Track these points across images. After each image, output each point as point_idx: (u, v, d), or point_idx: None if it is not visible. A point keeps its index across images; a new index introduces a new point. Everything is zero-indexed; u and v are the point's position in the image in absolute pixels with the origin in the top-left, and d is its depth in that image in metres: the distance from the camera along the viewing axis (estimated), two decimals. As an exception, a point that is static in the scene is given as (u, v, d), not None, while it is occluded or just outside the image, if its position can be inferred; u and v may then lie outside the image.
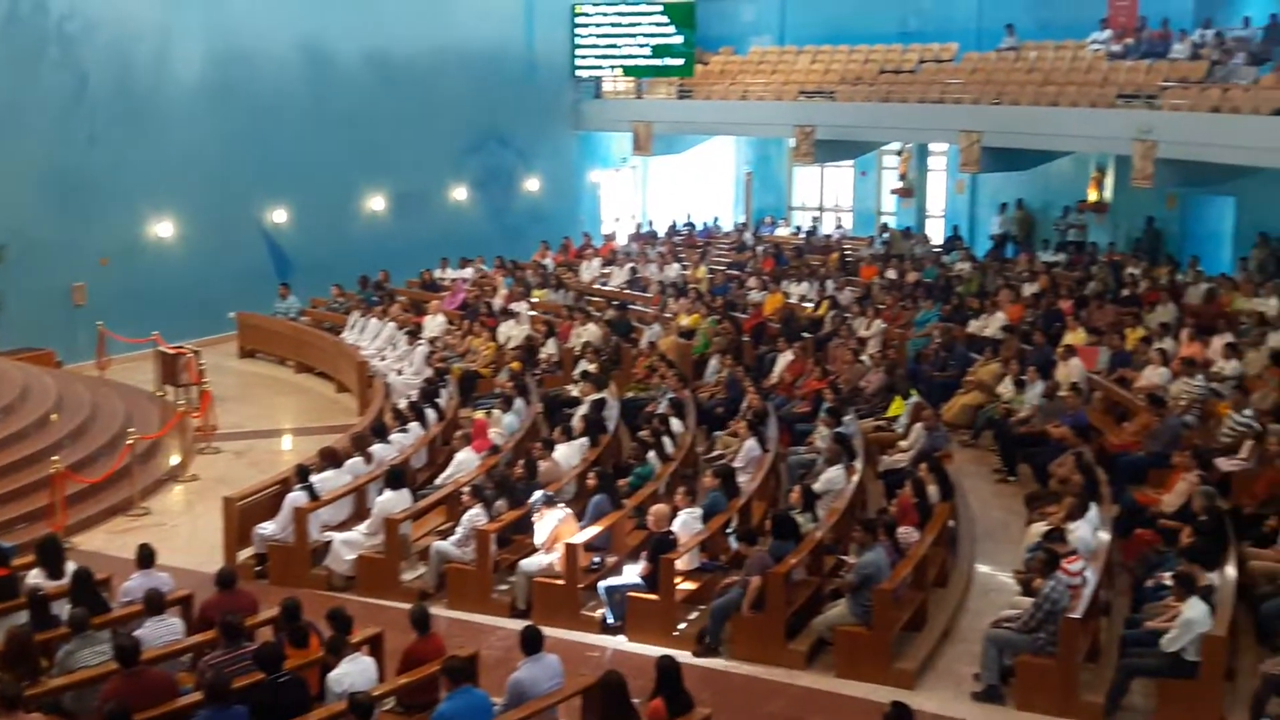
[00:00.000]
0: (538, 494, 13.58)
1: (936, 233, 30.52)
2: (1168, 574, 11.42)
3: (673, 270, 26.84)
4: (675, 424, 16.35)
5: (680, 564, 12.47)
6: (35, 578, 11.46)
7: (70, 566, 11.54)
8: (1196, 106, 21.65)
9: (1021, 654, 10.85)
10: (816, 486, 14.13)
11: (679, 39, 30.61)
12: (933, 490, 13.59)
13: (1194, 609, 10.29)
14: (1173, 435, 14.85)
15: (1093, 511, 12.62)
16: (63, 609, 10.75)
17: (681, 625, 12.25)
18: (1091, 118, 23.35)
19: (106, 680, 9.39)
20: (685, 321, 21.90)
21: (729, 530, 13.66)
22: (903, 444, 16.01)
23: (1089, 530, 12.33)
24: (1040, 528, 12.58)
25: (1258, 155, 20.46)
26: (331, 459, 14.87)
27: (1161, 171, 21.74)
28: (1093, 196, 27.91)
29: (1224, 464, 14.19)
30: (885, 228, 30.64)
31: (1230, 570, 11.33)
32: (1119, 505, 13.49)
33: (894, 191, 31.83)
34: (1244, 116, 20.66)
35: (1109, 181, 27.50)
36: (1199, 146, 21.19)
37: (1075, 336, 19.02)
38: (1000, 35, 28.02)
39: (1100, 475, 13.90)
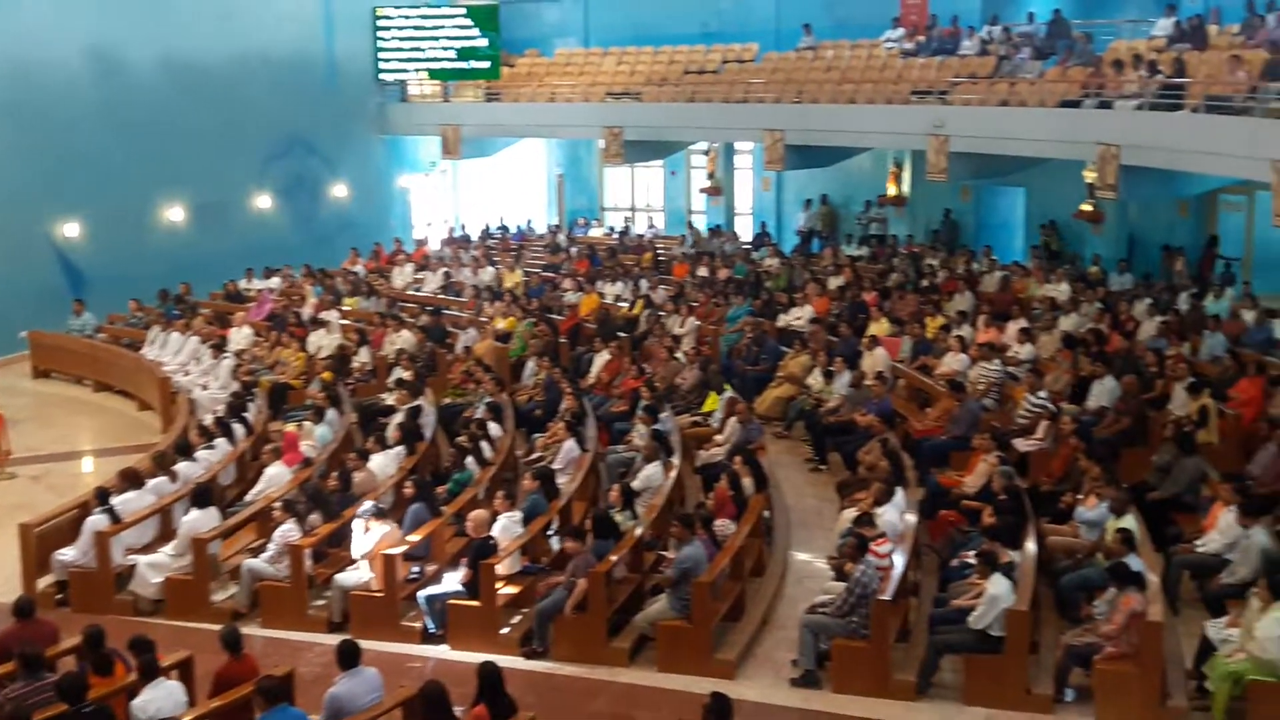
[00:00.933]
0: (367, 504, 13.38)
1: (745, 230, 31.08)
2: (971, 553, 11.86)
3: (487, 274, 26.74)
4: (493, 428, 16.31)
5: (501, 569, 12.44)
6: None
7: None
8: (986, 101, 22.51)
9: (836, 638, 11.13)
10: (635, 484, 14.26)
11: (484, 42, 30.52)
12: (748, 482, 13.84)
13: (997, 586, 10.70)
14: (972, 419, 15.42)
15: (899, 496, 13.03)
16: None
17: (504, 630, 12.22)
18: (887, 114, 24.07)
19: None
20: (501, 325, 21.84)
21: (550, 532, 13.69)
22: (718, 438, 16.26)
23: (896, 514, 12.72)
24: (850, 514, 12.90)
25: (1044, 147, 21.38)
26: (133, 480, 14.37)
27: (955, 165, 22.55)
28: (892, 191, 28.85)
29: (1021, 444, 14.83)
30: (690, 225, 31.11)
31: (1030, 547, 11.82)
32: (924, 488, 13.96)
33: (703, 190, 32.31)
34: (1030, 110, 21.57)
35: (906, 176, 28.44)
36: (989, 140, 22.04)
37: (879, 327, 19.61)
38: (798, 35, 28.68)
39: (905, 460, 14.37)
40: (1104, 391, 15.67)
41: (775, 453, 16.86)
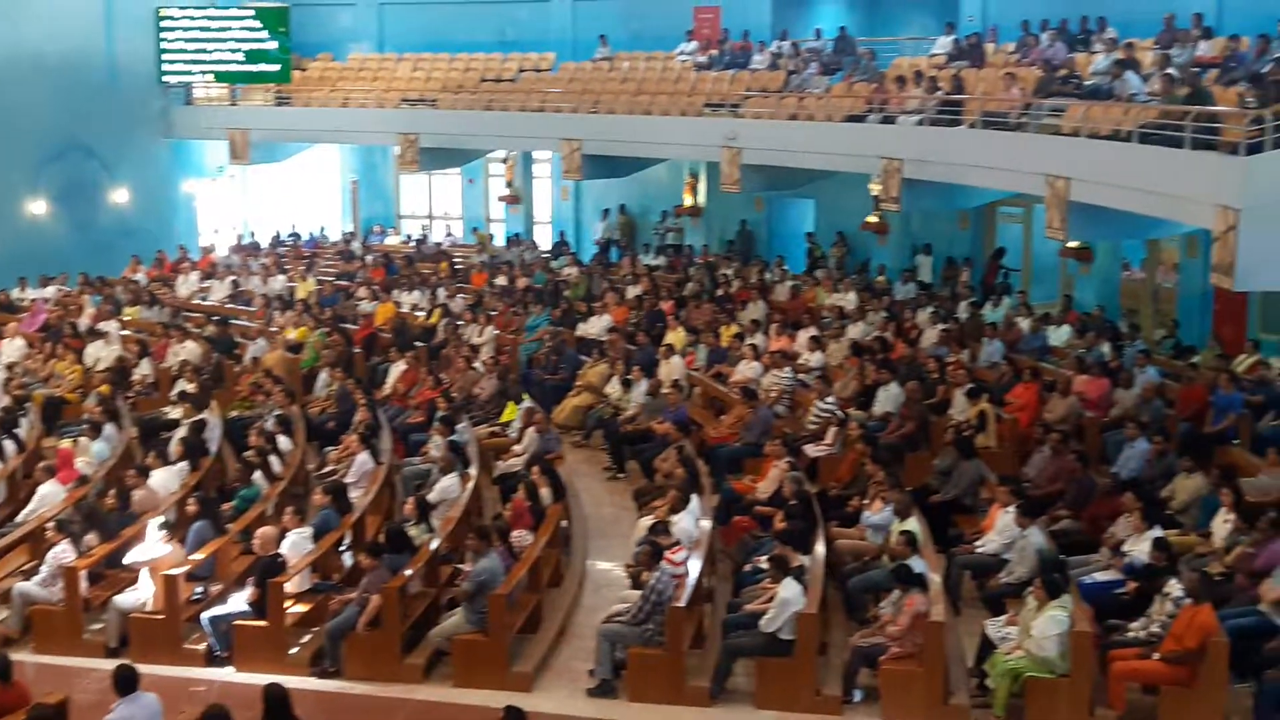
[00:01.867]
0: (151, 522, 12.86)
1: (544, 239, 31.08)
2: (764, 558, 12.08)
3: (278, 282, 26.07)
4: (283, 442, 15.89)
5: (290, 586, 12.12)
6: None
7: None
8: (776, 115, 23.00)
9: (632, 646, 11.19)
10: (431, 496, 14.09)
11: (274, 44, 29.77)
12: (546, 492, 13.83)
13: (789, 589, 10.91)
14: (765, 425, 15.74)
15: (694, 502, 13.19)
16: None
17: (294, 650, 11.91)
18: (682, 126, 24.37)
19: None
20: (292, 335, 21.32)
21: (342, 548, 13.41)
22: (516, 449, 16.20)
23: (691, 521, 12.87)
24: (647, 521, 13.02)
25: (831, 160, 21.96)
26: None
27: (748, 176, 22.97)
28: (688, 201, 29.24)
29: (811, 450, 15.20)
30: (475, 230, 31.06)
31: (819, 550, 12.10)
32: (719, 495, 14.15)
33: (501, 199, 32.19)
34: (818, 124, 22.12)
35: (702, 187, 28.87)
36: (780, 152, 22.53)
37: (676, 336, 19.83)
38: (594, 45, 28.84)
39: (701, 467, 14.55)
40: (889, 398, 16.18)
41: (573, 462, 16.89)
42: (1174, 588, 10.47)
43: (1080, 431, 15.24)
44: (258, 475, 14.80)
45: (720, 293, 23.17)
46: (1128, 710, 10.20)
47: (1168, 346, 19.22)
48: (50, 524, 13.05)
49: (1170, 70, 16.57)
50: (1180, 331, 19.77)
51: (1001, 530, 12.20)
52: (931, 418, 15.83)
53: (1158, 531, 11.57)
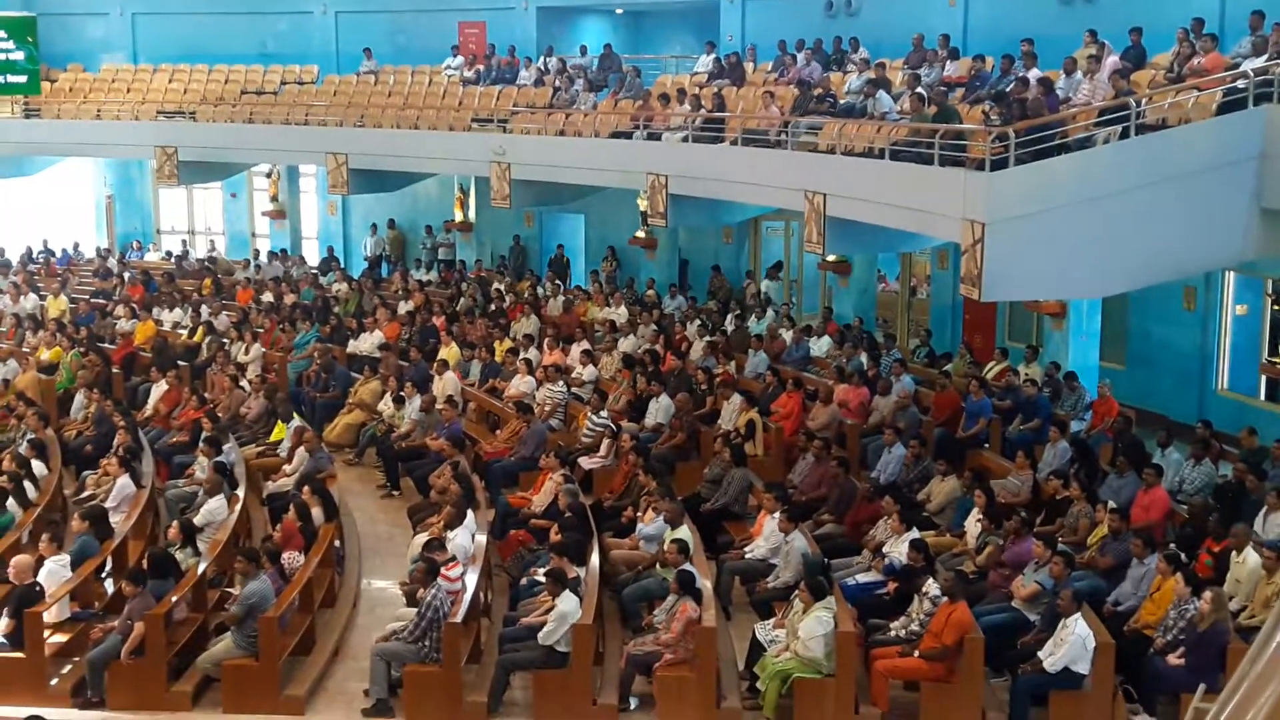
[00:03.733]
0: None
1: (312, 254, 30.52)
2: (541, 570, 12.21)
3: (29, 301, 24.89)
4: (37, 466, 15.24)
5: (49, 616, 11.66)
6: None
7: None
8: (544, 130, 23.21)
9: (408, 664, 11.16)
10: (197, 520, 13.72)
11: (20, 55, 28.41)
12: (317, 512, 13.64)
13: (566, 602, 11.07)
14: (539, 439, 15.89)
15: (470, 518, 13.23)
16: None
17: (54, 681, 11.46)
18: (450, 141, 24.35)
19: None
20: (46, 356, 20.45)
21: (103, 575, 12.96)
22: (286, 469, 15.90)
23: (467, 536, 12.90)
24: (422, 539, 12.98)
25: (599, 175, 22.31)
26: None
27: (518, 191, 23.09)
28: (459, 216, 29.23)
29: (585, 462, 15.43)
30: (183, 245, 30.72)
31: (595, 561, 12.30)
32: (494, 509, 14.21)
33: (265, 213, 31.47)
34: (585, 139, 22.43)
35: (472, 201, 28.88)
36: (548, 168, 22.74)
37: (449, 352, 19.79)
38: (359, 59, 28.52)
39: (477, 482, 14.59)
40: (660, 409, 16.54)
41: (346, 480, 16.69)
42: (931, 587, 11.05)
43: (841, 438, 15.91)
44: (11, 502, 14.19)
45: (493, 308, 23.22)
46: (891, 707, 10.71)
47: (921, 355, 20.17)
48: None
49: (919, 90, 17.41)
50: (933, 340, 20.79)
51: (768, 536, 12.64)
52: (701, 428, 16.26)
53: (915, 533, 12.21)
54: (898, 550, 12.02)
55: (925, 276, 23.42)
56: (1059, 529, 12.65)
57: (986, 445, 15.73)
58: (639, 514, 13.41)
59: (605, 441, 15.66)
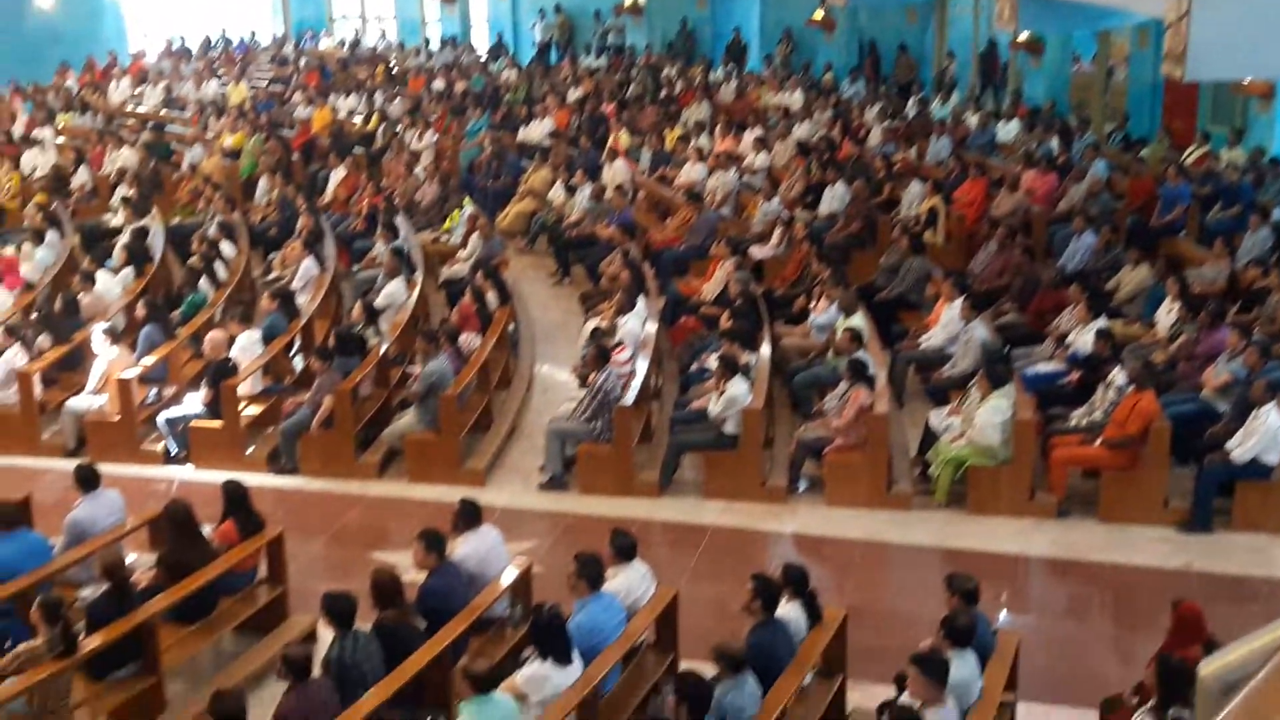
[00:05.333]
0: (99, 326, 12.81)
1: (482, 41, 30.39)
2: (711, 356, 12.26)
3: (211, 88, 25.43)
4: (226, 248, 15.77)
5: (243, 389, 12.19)
6: None
7: None
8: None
9: (581, 442, 11.42)
10: (378, 301, 14.09)
11: None
12: (492, 296, 13.86)
13: (736, 386, 11.12)
14: (710, 228, 15.77)
15: (640, 304, 13.29)
16: None
17: (250, 449, 12.05)
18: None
19: None
20: (229, 141, 20.93)
21: (291, 352, 13.46)
22: (461, 254, 16.16)
23: (637, 322, 12.98)
24: (593, 324, 13.13)
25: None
26: None
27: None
28: (628, 0, 28.61)
29: (757, 251, 15.27)
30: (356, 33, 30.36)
31: (765, 348, 12.30)
32: (664, 297, 14.25)
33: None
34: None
35: (644, -17, 28.22)
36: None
37: (619, 139, 19.65)
38: None
39: (646, 270, 14.61)
40: (835, 196, 16.22)
41: (519, 268, 16.89)
42: (1117, 376, 10.72)
43: (1027, 226, 15.41)
44: (203, 281, 14.72)
45: (664, 94, 22.88)
46: (1068, 495, 10.59)
47: (1117, 140, 19.31)
48: (0, 329, 12.99)
49: None
50: (1130, 125, 19.86)
51: (946, 324, 12.42)
52: (878, 216, 15.93)
53: (1102, 322, 11.81)
54: (1082, 340, 11.69)
55: (1124, 57, 22.20)
56: (1255, 319, 12.14)
57: (1183, 233, 15.08)
58: (811, 303, 13.29)
59: (778, 230, 15.48)
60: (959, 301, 12.32)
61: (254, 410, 12.38)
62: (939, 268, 13.94)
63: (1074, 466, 10.66)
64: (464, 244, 16.29)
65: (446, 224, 17.35)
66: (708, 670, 7.06)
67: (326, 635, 7.93)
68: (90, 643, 7.80)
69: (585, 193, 17.41)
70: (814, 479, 11.13)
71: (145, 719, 7.94)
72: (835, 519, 10.70)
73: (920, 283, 13.68)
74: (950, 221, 15.53)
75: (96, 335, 12.75)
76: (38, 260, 15.66)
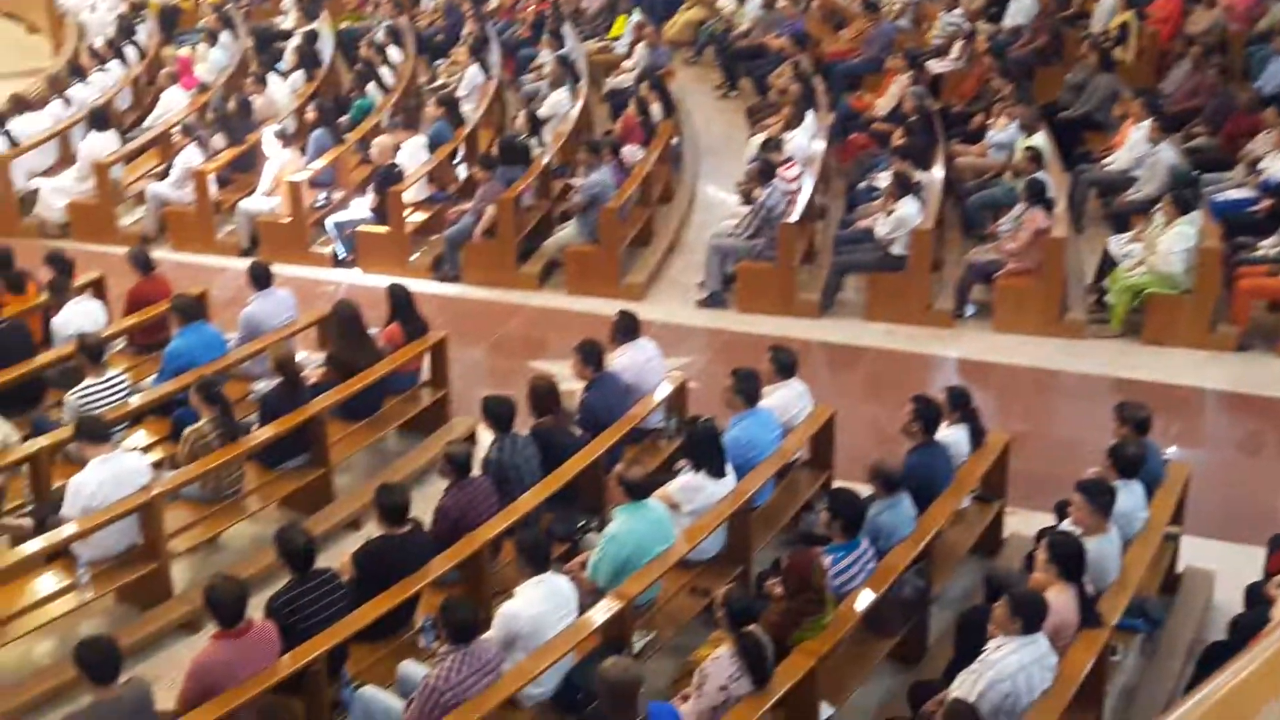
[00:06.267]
0: (271, 129, 13.00)
1: None
2: (880, 175, 11.91)
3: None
4: (393, 53, 15.76)
5: (408, 195, 12.29)
6: None
7: None
8: None
9: (742, 260, 11.26)
10: (542, 111, 13.98)
11: None
12: (656, 108, 13.61)
13: (906, 206, 10.79)
14: (887, 40, 15.16)
15: (809, 119, 12.90)
16: None
17: (414, 256, 12.20)
18: None
19: None
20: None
21: (456, 160, 13.48)
22: (626, 64, 15.87)
23: (805, 137, 12.63)
24: (759, 139, 12.83)
25: None
26: (22, 105, 13.86)
27: None
28: None
29: (935, 65, 14.64)
30: None
31: (939, 168, 11.86)
32: (835, 112, 13.81)
33: None
34: None
35: None
36: None
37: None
38: None
39: (818, 83, 14.16)
40: (1020, 9, 15.35)
41: (684, 79, 16.52)
42: (1312, 201, 10.10)
43: (1223, 45, 14.41)
44: (371, 86, 14.77)
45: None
46: (1251, 327, 10.07)
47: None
48: (177, 129, 13.28)
49: None
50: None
51: (1132, 146, 11.77)
52: (1065, 30, 15.09)
53: (1298, 148, 11.08)
54: (1276, 166, 10.99)
55: None
56: None
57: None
58: (990, 120, 12.73)
59: (958, 43, 14.78)
60: (1147, 123, 11.63)
61: (419, 217, 12.50)
62: (1128, 87, 13.18)
63: (1259, 298, 10.13)
64: (629, 53, 15.98)
65: (612, 32, 17.03)
66: (862, 491, 7.00)
67: (486, 438, 8.09)
68: (262, 433, 8.08)
69: (756, 1, 16.85)
70: (982, 304, 10.83)
71: (313, 508, 8.23)
72: (1003, 345, 10.43)
73: (1107, 102, 12.95)
74: (1142, 38, 14.60)
75: (268, 137, 12.94)
76: (212, 61, 15.88)
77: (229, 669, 5.89)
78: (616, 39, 16.79)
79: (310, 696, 6.15)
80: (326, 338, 9.48)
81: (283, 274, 10.25)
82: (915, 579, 6.75)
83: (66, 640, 7.16)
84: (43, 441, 7.92)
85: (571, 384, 8.54)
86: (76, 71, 15.05)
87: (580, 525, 7.57)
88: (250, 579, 6.56)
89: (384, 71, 15.10)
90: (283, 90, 14.68)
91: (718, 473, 7.26)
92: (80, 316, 9.29)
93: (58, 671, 6.88)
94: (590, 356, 8.26)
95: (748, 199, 11.82)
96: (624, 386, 8.36)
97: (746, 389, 7.75)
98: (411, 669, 6.27)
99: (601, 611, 6.35)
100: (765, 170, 11.42)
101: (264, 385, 8.96)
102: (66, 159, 13.63)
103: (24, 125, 13.44)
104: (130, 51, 15.97)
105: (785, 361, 8.18)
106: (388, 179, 12.21)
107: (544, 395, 7.94)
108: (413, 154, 12.87)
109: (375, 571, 6.66)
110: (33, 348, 9.08)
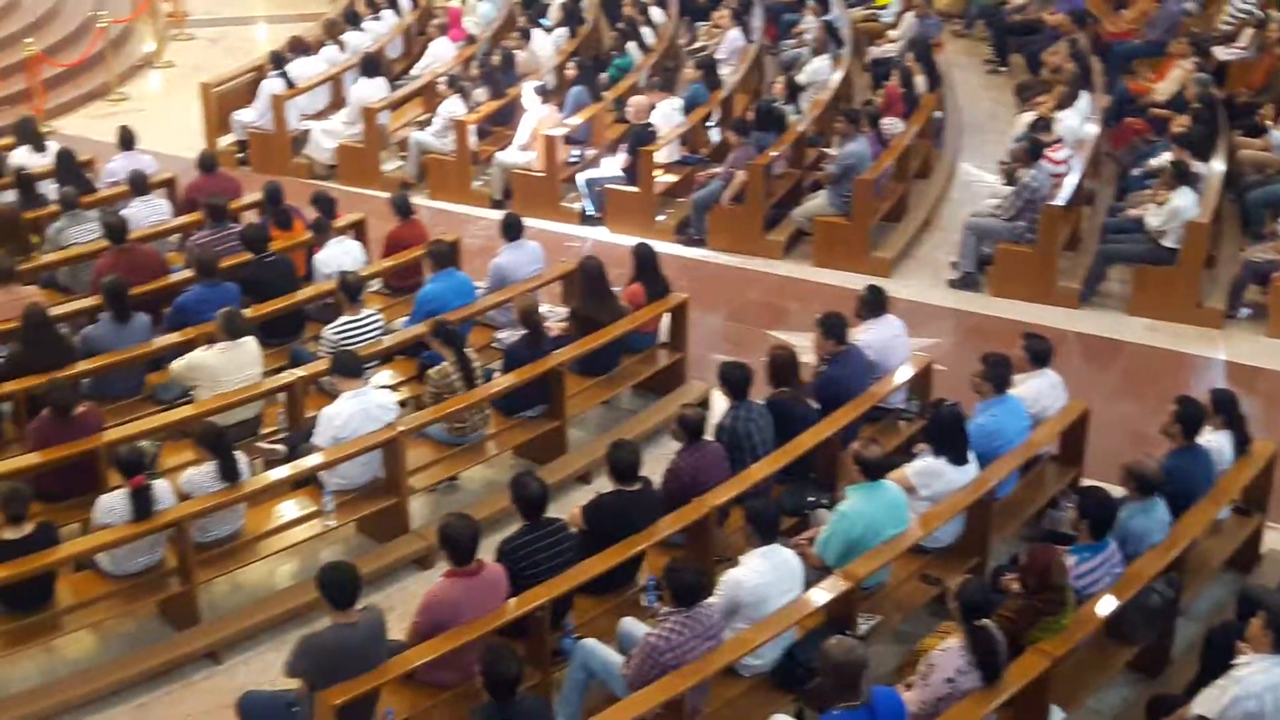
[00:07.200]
0: (531, 84, 13.19)
1: None
2: (1155, 162, 11.31)
3: None
4: (655, 13, 15.79)
5: (660, 156, 12.30)
6: (19, 157, 11.32)
7: (53, 147, 11.44)
8: None
9: (1000, 242, 10.87)
10: (801, 78, 13.78)
11: None
12: (920, 81, 13.25)
13: (1183, 197, 10.23)
14: (1171, 22, 14.36)
15: (1083, 100, 12.35)
16: (49, 189, 10.70)
17: (661, 217, 12.20)
18: None
19: (99, 256, 9.41)
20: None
21: (710, 123, 13.41)
22: (892, 34, 15.50)
23: (1077, 119, 12.10)
24: (1028, 117, 12.34)
25: None
26: (302, 48, 14.43)
27: None
28: None
29: (1221, 52, 13.79)
30: None
31: (1219, 160, 11.19)
32: (1110, 94, 13.18)
33: None
34: None
35: None
36: None
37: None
38: None
39: (1094, 64, 13.52)
40: (1321, -2, 14.37)
41: (952, 52, 16.04)
42: None
43: None
44: (632, 45, 14.82)
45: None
46: None
47: None
48: (442, 79, 13.61)
49: None
50: None
51: None
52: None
53: None
54: None
55: None
56: None
57: None
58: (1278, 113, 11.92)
59: (1248, 31, 13.88)
60: None
61: (668, 179, 12.49)
62: None
63: None
64: (896, 22, 15.60)
65: (879, 0, 16.63)
66: (1113, 491, 6.66)
67: (719, 404, 8.02)
68: (503, 381, 8.21)
69: (1039, -23, 16.21)
70: (1257, 305, 10.20)
71: (546, 458, 8.32)
72: (1276, 350, 9.82)
73: None
74: None
75: (528, 92, 13.13)
76: (480, 14, 16.22)
77: (458, 607, 6.00)
78: (883, 7, 16.41)
79: (532, 642, 6.22)
80: (570, 292, 9.56)
81: (531, 227, 10.38)
82: (1164, 588, 6.39)
83: (307, 564, 7.47)
84: (299, 372, 8.25)
85: (809, 357, 8.39)
86: (352, 18, 15.56)
87: (810, 500, 7.43)
88: (482, 521, 6.65)
89: (645, 31, 15.13)
90: (546, 46, 14.88)
91: (959, 459, 7.02)
92: (341, 255, 9.63)
93: (297, 593, 7.18)
94: (833, 330, 8.08)
95: (1010, 179, 11.41)
96: (867, 363, 8.17)
97: (997, 375, 7.46)
98: (632, 626, 6.27)
99: (827, 590, 6.23)
100: (1032, 150, 11.01)
101: (507, 334, 9.11)
102: (337, 103, 14.12)
103: (300, 68, 13.97)
104: (403, 1, 16.42)
105: (1039, 350, 7.85)
106: (641, 139, 12.24)
107: (783, 365, 7.81)
108: (667, 115, 12.88)
109: (603, 526, 6.69)
110: (295, 282, 9.45)
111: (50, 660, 6.91)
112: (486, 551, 6.33)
